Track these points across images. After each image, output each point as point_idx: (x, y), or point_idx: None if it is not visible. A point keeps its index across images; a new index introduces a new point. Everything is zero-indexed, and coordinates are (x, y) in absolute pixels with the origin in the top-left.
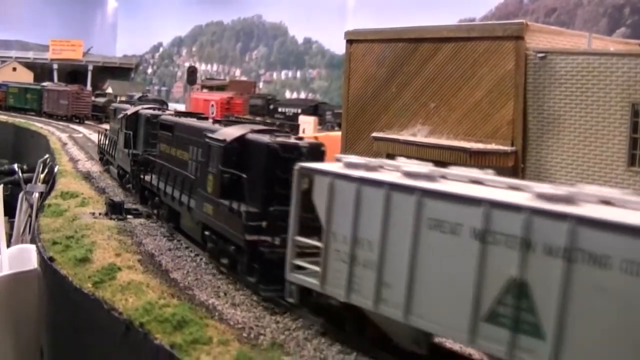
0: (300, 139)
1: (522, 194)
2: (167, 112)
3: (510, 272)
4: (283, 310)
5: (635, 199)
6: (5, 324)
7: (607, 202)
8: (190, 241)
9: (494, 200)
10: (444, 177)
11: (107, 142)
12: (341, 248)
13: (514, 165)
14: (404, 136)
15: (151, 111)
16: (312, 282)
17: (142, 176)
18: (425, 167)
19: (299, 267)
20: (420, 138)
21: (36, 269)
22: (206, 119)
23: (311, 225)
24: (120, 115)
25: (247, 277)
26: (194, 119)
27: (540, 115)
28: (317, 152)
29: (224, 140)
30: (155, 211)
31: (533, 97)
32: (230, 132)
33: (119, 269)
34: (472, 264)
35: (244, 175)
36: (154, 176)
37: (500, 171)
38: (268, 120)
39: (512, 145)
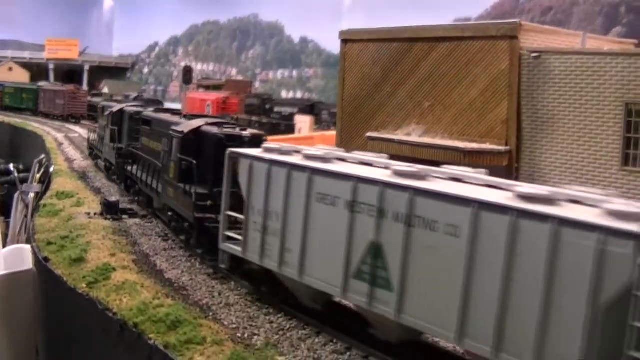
0: (245, 130)
1: (385, 171)
2: (149, 109)
3: (370, 236)
4: (221, 275)
5: (478, 175)
6: (0, 324)
7: (456, 179)
8: (162, 223)
9: (360, 176)
10: (340, 159)
11: (96, 138)
12: (257, 220)
13: (508, 165)
14: (399, 136)
15: (134, 108)
16: (237, 249)
17: (125, 167)
18: (323, 151)
19: (230, 238)
20: (414, 138)
21: (31, 269)
22: (180, 114)
23: (240, 202)
24: (107, 113)
25: (197, 250)
26: (169, 115)
27: (535, 115)
28: (257, 140)
29: (182, 132)
30: (136, 198)
31: (527, 97)
32: (189, 125)
33: (114, 269)
34: (345, 230)
35: (194, 162)
36: (135, 167)
37: (495, 170)
38: (264, 120)
39: (506, 144)
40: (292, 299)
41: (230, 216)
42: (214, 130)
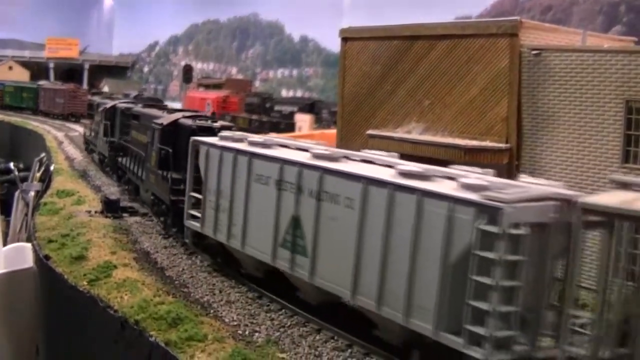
0: (215, 122)
1: (305, 154)
2: (139, 105)
3: (291, 210)
4: (221, 273)
5: (385, 157)
6: (1, 322)
7: (367, 160)
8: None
9: (285, 159)
10: (282, 145)
11: (91, 133)
12: (212, 199)
13: (509, 162)
14: (399, 133)
15: (126, 104)
16: (196, 225)
17: (117, 159)
18: (263, 138)
19: (193, 216)
20: (414, 135)
21: (32, 268)
22: (165, 109)
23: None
24: (100, 109)
25: (172, 229)
26: (155, 110)
27: (535, 113)
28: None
29: (161, 124)
30: (127, 187)
31: (527, 95)
32: (168, 118)
33: (115, 266)
34: (274, 205)
35: (171, 150)
36: (125, 158)
37: (495, 168)
38: (265, 119)
39: (507, 142)
40: (240, 268)
41: (193, 197)
42: (189, 122)
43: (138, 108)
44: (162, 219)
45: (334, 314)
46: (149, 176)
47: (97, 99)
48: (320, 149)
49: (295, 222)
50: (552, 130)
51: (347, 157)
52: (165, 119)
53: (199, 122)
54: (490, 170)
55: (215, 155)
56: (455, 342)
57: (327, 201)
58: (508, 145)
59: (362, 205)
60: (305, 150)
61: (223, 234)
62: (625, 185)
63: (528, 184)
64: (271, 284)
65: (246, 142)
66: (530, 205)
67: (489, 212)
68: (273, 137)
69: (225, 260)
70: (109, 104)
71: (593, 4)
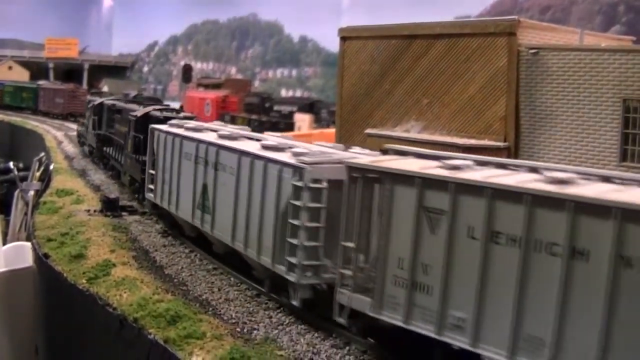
0: (179, 113)
1: (214, 134)
2: (122, 101)
3: (202, 179)
4: (220, 272)
5: (269, 137)
6: (0, 322)
7: (257, 139)
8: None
9: (199, 139)
10: (212, 130)
11: (83, 128)
12: (161, 175)
13: None
14: (397, 132)
15: (112, 101)
16: (152, 197)
17: (103, 149)
18: (196, 124)
19: (151, 190)
20: (413, 134)
21: (31, 267)
22: (142, 104)
23: None
24: (90, 105)
25: (143, 202)
26: (134, 105)
27: (533, 111)
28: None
29: (136, 116)
30: (111, 172)
31: (525, 93)
32: (142, 110)
33: (114, 265)
34: (193, 176)
35: (142, 137)
36: (110, 148)
37: None
38: (264, 119)
39: (505, 140)
40: (182, 230)
41: (150, 174)
42: (157, 113)
43: (121, 104)
44: (136, 195)
45: (236, 261)
46: (126, 160)
47: (97, 98)
48: (227, 131)
49: (204, 188)
50: (550, 129)
51: (247, 138)
52: (140, 111)
53: (165, 114)
54: (341, 145)
55: (162, 139)
56: (281, 270)
57: (221, 170)
58: (506, 143)
59: (237, 171)
60: (234, 138)
61: (167, 202)
62: (401, 153)
63: (343, 152)
64: (202, 242)
65: (184, 128)
66: (327, 167)
67: (299, 171)
68: (216, 124)
69: (172, 225)
70: (97, 100)
71: (592, 3)
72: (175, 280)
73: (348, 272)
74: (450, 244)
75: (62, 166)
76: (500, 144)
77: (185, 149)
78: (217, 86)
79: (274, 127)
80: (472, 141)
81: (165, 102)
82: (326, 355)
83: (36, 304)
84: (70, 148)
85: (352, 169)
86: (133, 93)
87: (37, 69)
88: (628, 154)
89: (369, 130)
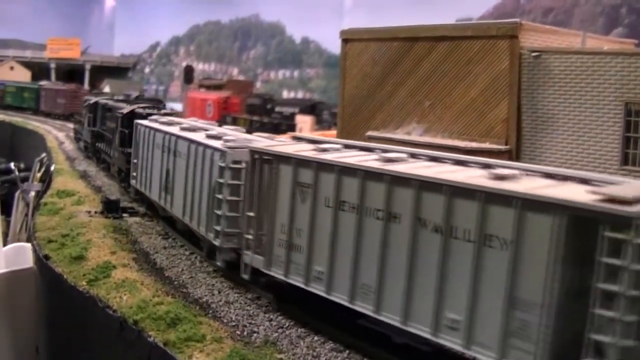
0: (160, 109)
1: (178, 127)
2: (113, 100)
3: (166, 164)
4: (220, 274)
5: (233, 131)
6: (1, 323)
7: (210, 136)
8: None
9: (165, 131)
10: (179, 123)
11: (79, 125)
12: (140, 163)
13: None
14: (399, 135)
15: (105, 100)
16: (134, 183)
17: (96, 144)
18: (169, 119)
19: (134, 177)
20: (414, 137)
21: (32, 268)
22: (129, 102)
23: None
24: (85, 104)
25: (128, 189)
26: (123, 103)
27: (534, 114)
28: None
29: (122, 112)
30: (101, 165)
31: (527, 96)
32: (128, 108)
33: (114, 267)
34: (160, 162)
35: (127, 131)
36: (102, 143)
37: None
38: (265, 120)
39: (506, 143)
40: (157, 212)
41: (134, 163)
42: (141, 110)
43: (112, 102)
44: (123, 184)
45: (193, 237)
46: (114, 153)
47: (92, 98)
48: (188, 124)
49: (167, 173)
50: (551, 132)
51: (204, 130)
52: (126, 108)
53: (148, 110)
54: (242, 129)
55: (142, 132)
56: (211, 237)
57: (178, 157)
58: (508, 146)
59: (187, 157)
60: (190, 130)
61: (144, 187)
62: (297, 139)
63: (259, 139)
64: (171, 222)
65: (158, 122)
66: (246, 151)
67: (223, 154)
68: (189, 119)
69: (149, 206)
70: (92, 100)
71: (594, 5)
72: (176, 282)
73: (250, 237)
74: (313, 211)
75: (63, 167)
76: (502, 146)
77: (157, 140)
78: (218, 87)
79: (276, 129)
80: (474, 144)
81: (167, 103)
82: (326, 359)
83: (37, 305)
84: (72, 149)
85: (253, 152)
86: (135, 94)
87: (38, 70)
88: (629, 158)
89: (370, 133)
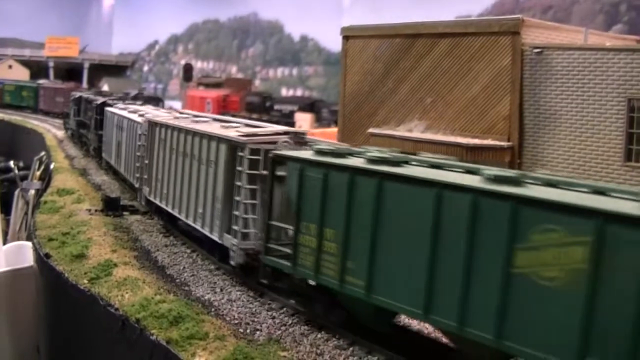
0: (125, 99)
1: (126, 111)
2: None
3: (117, 138)
4: (222, 272)
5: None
6: (1, 322)
7: (132, 111)
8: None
9: (117, 113)
10: (127, 108)
11: (67, 118)
12: (105, 139)
13: (511, 160)
14: (400, 132)
15: (87, 95)
16: (104, 155)
17: (80, 131)
18: (125, 105)
19: (103, 151)
20: (416, 134)
21: (32, 266)
22: (105, 94)
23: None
24: (72, 98)
25: (100, 162)
26: (101, 96)
27: (537, 111)
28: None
29: (97, 103)
30: (84, 148)
31: (529, 93)
32: (101, 99)
33: (115, 265)
34: (114, 136)
35: (99, 117)
36: (84, 130)
37: (498, 166)
38: (265, 118)
39: (509, 140)
40: (116, 172)
41: (104, 141)
42: (111, 101)
43: (91, 96)
44: (97, 159)
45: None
46: (91, 136)
47: (77, 93)
48: (133, 108)
49: (118, 144)
50: (554, 129)
51: (139, 111)
52: (100, 100)
53: (115, 101)
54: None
55: (109, 116)
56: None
57: (122, 131)
58: (510, 143)
59: (122, 129)
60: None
61: (108, 156)
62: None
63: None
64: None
65: (117, 108)
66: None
67: (141, 125)
68: (145, 107)
69: (109, 168)
70: (77, 94)
71: (594, 3)
72: (177, 280)
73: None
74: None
75: (62, 165)
76: (504, 143)
77: (116, 122)
78: (217, 85)
79: None
80: (476, 141)
81: (166, 102)
82: (330, 356)
83: (37, 304)
84: (71, 147)
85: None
86: (133, 92)
87: (37, 68)
88: (633, 154)
89: (372, 130)
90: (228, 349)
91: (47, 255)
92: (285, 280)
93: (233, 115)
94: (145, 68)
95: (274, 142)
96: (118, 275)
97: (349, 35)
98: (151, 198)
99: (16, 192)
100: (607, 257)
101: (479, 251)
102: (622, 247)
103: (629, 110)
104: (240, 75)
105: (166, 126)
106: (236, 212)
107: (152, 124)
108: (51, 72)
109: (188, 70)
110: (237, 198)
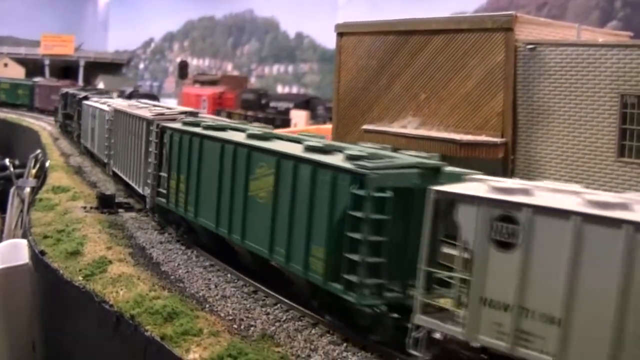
0: (102, 94)
1: (98, 102)
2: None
3: (91, 125)
4: (217, 268)
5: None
6: None
7: (104, 102)
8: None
9: (93, 105)
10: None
11: (56, 112)
12: (84, 127)
13: (504, 157)
14: (394, 128)
15: (73, 91)
16: (83, 141)
17: (66, 122)
18: (99, 98)
19: (82, 137)
20: (410, 130)
21: (27, 264)
22: (87, 90)
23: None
24: (60, 94)
25: (79, 144)
26: (83, 92)
27: (530, 107)
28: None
29: (79, 97)
30: (70, 136)
31: (523, 89)
32: (82, 94)
33: (110, 262)
34: (90, 124)
35: (80, 109)
36: (70, 121)
37: (491, 163)
38: (260, 115)
39: (502, 136)
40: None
41: (83, 129)
42: (90, 95)
43: (76, 92)
44: (78, 145)
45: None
46: (75, 125)
47: (64, 89)
48: (104, 101)
49: (92, 130)
50: (547, 125)
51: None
52: (81, 94)
53: (95, 95)
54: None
55: (86, 108)
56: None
57: (95, 119)
58: (503, 139)
59: (97, 119)
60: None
61: (85, 140)
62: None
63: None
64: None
65: (100, 102)
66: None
67: (107, 112)
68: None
69: (85, 151)
70: (64, 91)
71: None
72: (172, 277)
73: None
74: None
75: (58, 163)
76: (497, 139)
77: (91, 112)
78: (213, 83)
79: (271, 124)
80: (469, 137)
81: (162, 99)
82: (324, 352)
83: (33, 301)
84: (66, 145)
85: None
86: (129, 89)
87: (32, 66)
88: (626, 149)
89: (366, 126)
90: (222, 344)
91: (42, 253)
92: (171, 216)
93: (229, 113)
94: (141, 66)
95: (174, 119)
96: (113, 272)
97: (343, 32)
98: (114, 169)
99: (12, 190)
100: (280, 180)
101: (236, 182)
102: (286, 173)
103: (622, 106)
104: (235, 73)
105: (121, 112)
106: (149, 170)
107: (117, 111)
108: (47, 70)
109: (183, 67)
110: (149, 160)
